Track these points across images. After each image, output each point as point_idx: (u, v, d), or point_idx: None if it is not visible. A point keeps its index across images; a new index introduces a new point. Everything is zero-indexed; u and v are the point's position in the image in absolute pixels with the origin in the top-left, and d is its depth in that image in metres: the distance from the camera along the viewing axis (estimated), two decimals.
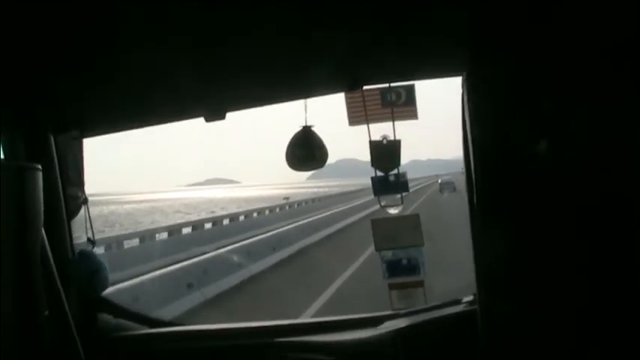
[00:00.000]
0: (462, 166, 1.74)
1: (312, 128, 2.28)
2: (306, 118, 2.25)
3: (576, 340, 1.54)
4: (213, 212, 36.35)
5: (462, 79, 1.70)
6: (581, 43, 1.49)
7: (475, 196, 1.62)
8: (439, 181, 49.55)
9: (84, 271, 2.28)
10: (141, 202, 78.64)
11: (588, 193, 1.49)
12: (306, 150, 2.27)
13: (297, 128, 2.29)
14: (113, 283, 2.54)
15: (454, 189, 38.69)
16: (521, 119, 1.54)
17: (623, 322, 1.49)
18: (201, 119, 2.36)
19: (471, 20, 1.62)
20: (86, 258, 2.31)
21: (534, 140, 1.52)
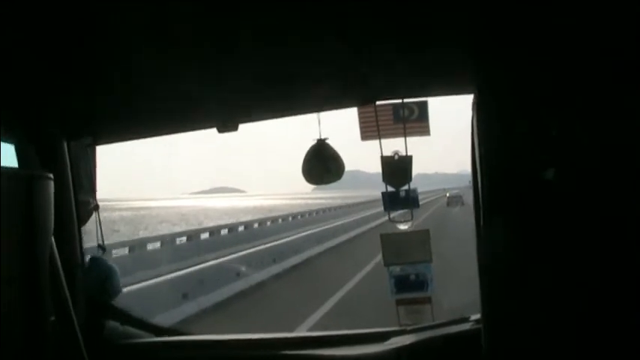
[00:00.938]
0: (468, 179, 1.74)
1: (327, 141, 2.28)
2: (320, 131, 2.25)
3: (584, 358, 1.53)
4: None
5: (473, 97, 1.70)
6: (594, 65, 1.49)
7: (482, 214, 1.62)
8: (447, 195, 50.47)
9: (95, 277, 2.29)
10: (135, 209, 75.46)
11: (595, 211, 1.48)
12: (322, 163, 2.27)
13: (308, 136, 2.30)
14: None
15: (462, 203, 39.38)
16: (529, 139, 1.54)
17: (635, 339, 1.47)
18: (213, 129, 2.37)
19: (481, 39, 1.63)
20: (97, 264, 2.32)
21: (542, 160, 1.52)
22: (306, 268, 16.28)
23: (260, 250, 15.72)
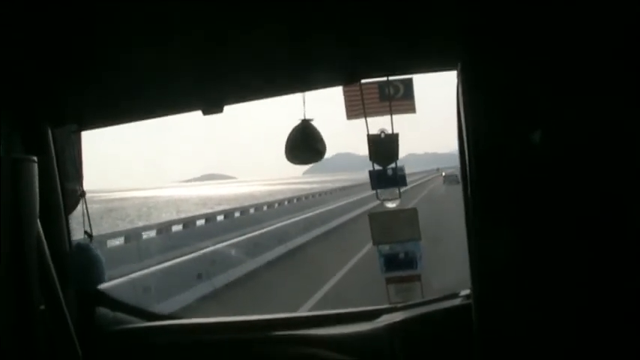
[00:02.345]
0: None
1: (311, 122, 2.27)
2: (304, 111, 2.25)
3: (569, 333, 1.55)
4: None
5: (457, 73, 1.70)
6: (576, 35, 1.49)
7: (470, 190, 1.62)
8: (443, 174, 54.29)
9: (81, 265, 2.28)
10: (109, 200, 70.39)
11: (584, 187, 1.49)
12: (304, 143, 2.26)
13: (296, 122, 2.29)
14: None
15: (458, 181, 40.41)
16: (515, 112, 1.54)
17: (619, 319, 1.49)
18: (199, 114, 2.36)
19: (464, 13, 1.63)
20: (84, 251, 2.31)
21: (529, 133, 1.52)
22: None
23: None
